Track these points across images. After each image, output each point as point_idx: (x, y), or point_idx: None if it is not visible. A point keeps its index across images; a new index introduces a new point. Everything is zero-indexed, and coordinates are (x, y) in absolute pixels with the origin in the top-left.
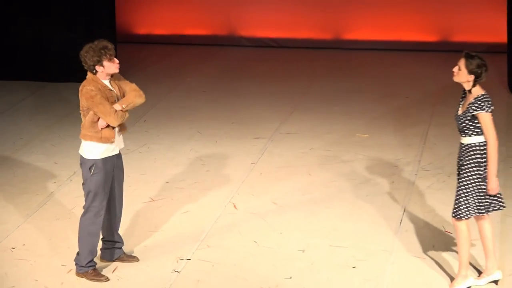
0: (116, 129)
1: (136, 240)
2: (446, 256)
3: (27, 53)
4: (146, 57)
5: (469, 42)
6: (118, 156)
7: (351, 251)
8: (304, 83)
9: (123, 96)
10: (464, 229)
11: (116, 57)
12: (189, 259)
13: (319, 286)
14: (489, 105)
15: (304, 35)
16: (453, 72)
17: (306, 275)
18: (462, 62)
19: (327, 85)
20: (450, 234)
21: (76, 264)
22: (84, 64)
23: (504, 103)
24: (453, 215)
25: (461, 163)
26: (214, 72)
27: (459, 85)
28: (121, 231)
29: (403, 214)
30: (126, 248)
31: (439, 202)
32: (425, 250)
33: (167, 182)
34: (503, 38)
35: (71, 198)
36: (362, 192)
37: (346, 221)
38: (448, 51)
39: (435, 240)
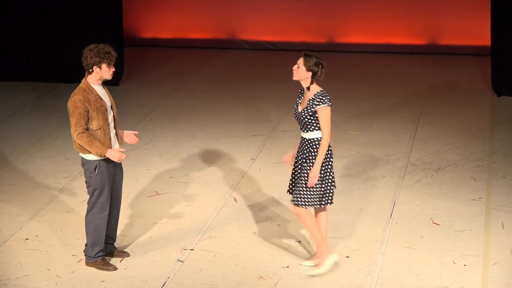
0: (117, 144)
1: (142, 231)
2: (434, 246)
3: (39, 55)
4: (151, 60)
5: (455, 45)
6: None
7: (345, 241)
8: (299, 84)
9: (114, 106)
10: (304, 214)
11: (120, 65)
12: (192, 249)
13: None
14: (329, 100)
15: (300, 39)
16: (293, 70)
17: (301, 265)
18: (301, 61)
19: (321, 85)
20: (438, 225)
21: (85, 255)
22: (83, 60)
23: (488, 103)
24: (293, 202)
25: (302, 155)
26: (215, 74)
27: (445, 85)
28: (128, 223)
29: (393, 206)
30: (132, 239)
31: (427, 195)
32: (414, 241)
33: (171, 177)
34: (487, 41)
35: (81, 192)
36: (355, 186)
37: (340, 214)
38: (435, 53)
39: (423, 231)
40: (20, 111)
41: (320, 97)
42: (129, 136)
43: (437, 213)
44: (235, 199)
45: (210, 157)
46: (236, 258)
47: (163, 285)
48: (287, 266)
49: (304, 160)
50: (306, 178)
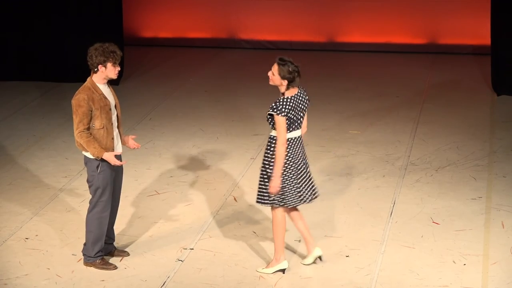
0: (121, 147)
1: (142, 230)
2: (434, 245)
3: (39, 55)
4: (151, 59)
5: (455, 45)
6: (119, 156)
7: (345, 241)
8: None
9: (118, 106)
10: (278, 216)
11: (120, 64)
12: (192, 249)
13: (315, 274)
14: (282, 109)
15: (300, 38)
16: (269, 76)
17: (302, 264)
18: (275, 68)
19: (321, 85)
20: (438, 224)
21: (84, 254)
22: (88, 60)
23: (488, 101)
24: (257, 201)
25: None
26: (215, 73)
27: (445, 84)
28: (128, 223)
29: (393, 206)
30: (132, 239)
31: (427, 195)
32: (413, 240)
33: (171, 176)
34: (487, 40)
35: (81, 191)
36: (355, 186)
37: (340, 213)
38: (435, 52)
39: (423, 231)
40: (20, 110)
41: (275, 103)
42: (129, 141)
43: (437, 213)
44: (235, 199)
45: (210, 156)
46: (236, 257)
47: (163, 284)
48: (287, 266)
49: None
50: (261, 176)
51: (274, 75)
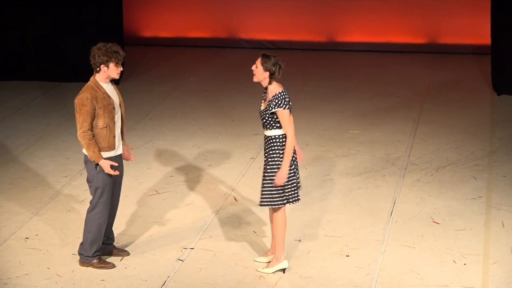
0: (121, 148)
1: (142, 230)
2: (434, 245)
3: (39, 55)
4: (151, 59)
5: (455, 44)
6: (120, 157)
7: (345, 240)
8: (299, 82)
9: (122, 104)
10: (279, 216)
11: (122, 64)
12: (192, 248)
13: (315, 274)
14: (286, 102)
15: (300, 38)
16: (253, 70)
17: (302, 264)
18: (259, 61)
19: (321, 84)
20: (438, 224)
21: (81, 254)
22: (91, 59)
23: (488, 101)
24: (260, 203)
25: (265, 154)
26: (215, 72)
27: (445, 84)
28: (128, 222)
29: (393, 205)
30: (132, 238)
31: (427, 194)
32: (414, 240)
33: (171, 176)
34: (487, 40)
35: (81, 191)
36: (355, 185)
37: (340, 213)
38: (435, 52)
39: (423, 230)
40: (20, 110)
41: (276, 100)
42: (126, 151)
43: (437, 212)
44: (235, 198)
45: (210, 156)
46: (236, 257)
47: (163, 284)
48: (287, 266)
49: (265, 159)
50: (267, 178)
51: (258, 68)
